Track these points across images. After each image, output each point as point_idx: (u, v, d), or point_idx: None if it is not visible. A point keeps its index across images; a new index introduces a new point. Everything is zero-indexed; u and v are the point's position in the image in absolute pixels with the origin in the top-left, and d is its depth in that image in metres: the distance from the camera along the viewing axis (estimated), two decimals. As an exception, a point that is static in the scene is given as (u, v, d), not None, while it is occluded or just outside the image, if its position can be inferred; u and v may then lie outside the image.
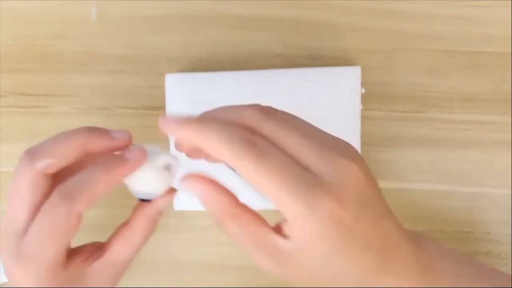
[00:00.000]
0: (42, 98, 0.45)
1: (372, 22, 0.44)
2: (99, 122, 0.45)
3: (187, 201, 0.42)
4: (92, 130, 0.31)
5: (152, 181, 0.32)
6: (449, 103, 0.44)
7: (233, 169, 0.29)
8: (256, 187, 0.27)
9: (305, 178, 0.27)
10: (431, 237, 0.34)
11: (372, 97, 0.43)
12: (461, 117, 0.43)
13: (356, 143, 0.40)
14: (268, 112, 0.29)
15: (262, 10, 0.44)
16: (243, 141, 0.27)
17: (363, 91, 0.41)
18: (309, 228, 0.27)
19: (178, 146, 0.31)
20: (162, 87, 0.42)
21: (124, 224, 0.33)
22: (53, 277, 0.31)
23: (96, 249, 0.33)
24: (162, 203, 0.33)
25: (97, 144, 0.31)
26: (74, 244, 0.37)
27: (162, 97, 0.42)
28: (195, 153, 0.32)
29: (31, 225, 0.30)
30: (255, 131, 0.28)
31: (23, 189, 0.31)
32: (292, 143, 0.28)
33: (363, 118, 0.42)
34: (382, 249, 0.29)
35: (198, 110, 0.39)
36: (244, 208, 0.30)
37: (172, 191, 0.33)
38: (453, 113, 0.44)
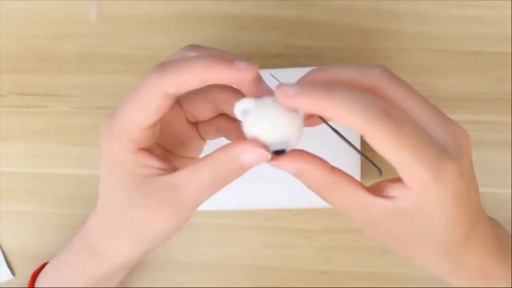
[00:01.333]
0: (42, 98, 0.45)
1: (372, 22, 0.44)
2: (99, 122, 0.45)
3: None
4: (212, 60, 0.28)
5: (283, 125, 0.27)
6: (449, 103, 0.44)
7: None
8: (384, 154, 0.28)
9: (433, 147, 0.28)
10: (499, 223, 0.36)
11: (372, 97, 0.43)
12: (461, 117, 0.43)
13: (356, 143, 0.40)
14: (394, 75, 0.30)
15: (262, 10, 0.44)
16: (378, 110, 0.27)
17: (363, 91, 0.41)
18: (430, 194, 0.28)
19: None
20: (162, 87, 0.42)
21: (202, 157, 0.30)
22: (122, 144, 0.30)
23: (173, 169, 0.31)
24: (247, 153, 0.28)
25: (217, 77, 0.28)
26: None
27: (162, 97, 0.42)
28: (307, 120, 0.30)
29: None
30: (378, 92, 0.29)
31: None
32: (417, 108, 0.29)
33: (363, 118, 0.42)
34: (474, 220, 0.30)
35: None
36: (337, 174, 0.29)
37: (266, 156, 0.28)
38: (453, 113, 0.43)
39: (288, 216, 0.44)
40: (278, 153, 0.28)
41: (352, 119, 0.27)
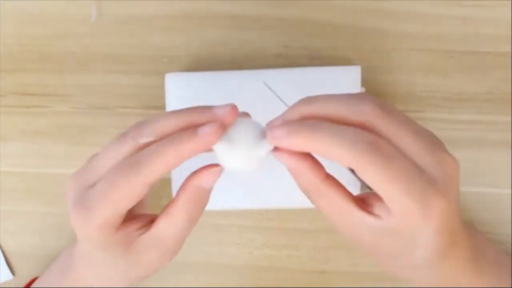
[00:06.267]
0: (42, 98, 0.45)
1: (372, 22, 0.44)
2: (99, 122, 0.45)
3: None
4: (192, 111, 0.30)
5: (247, 154, 0.30)
6: (449, 103, 0.44)
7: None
8: (374, 187, 0.29)
9: (420, 180, 0.28)
10: (475, 227, 0.37)
11: (372, 97, 0.43)
12: (461, 117, 0.43)
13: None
14: (385, 108, 0.30)
15: (262, 10, 0.44)
16: (366, 146, 0.28)
17: (363, 90, 0.41)
18: (415, 225, 0.29)
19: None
20: (162, 87, 0.42)
21: (171, 200, 0.33)
22: (103, 233, 0.31)
23: (151, 221, 0.33)
24: (203, 177, 0.31)
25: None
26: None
27: (162, 97, 0.42)
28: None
29: (100, 180, 0.30)
30: (368, 127, 0.29)
31: (115, 157, 0.31)
32: (408, 142, 0.29)
33: (363, 118, 0.42)
34: (452, 237, 0.31)
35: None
36: (330, 182, 0.30)
37: (220, 169, 0.31)
38: (453, 113, 0.44)
39: (288, 216, 0.44)
40: None
41: (341, 155, 0.28)
